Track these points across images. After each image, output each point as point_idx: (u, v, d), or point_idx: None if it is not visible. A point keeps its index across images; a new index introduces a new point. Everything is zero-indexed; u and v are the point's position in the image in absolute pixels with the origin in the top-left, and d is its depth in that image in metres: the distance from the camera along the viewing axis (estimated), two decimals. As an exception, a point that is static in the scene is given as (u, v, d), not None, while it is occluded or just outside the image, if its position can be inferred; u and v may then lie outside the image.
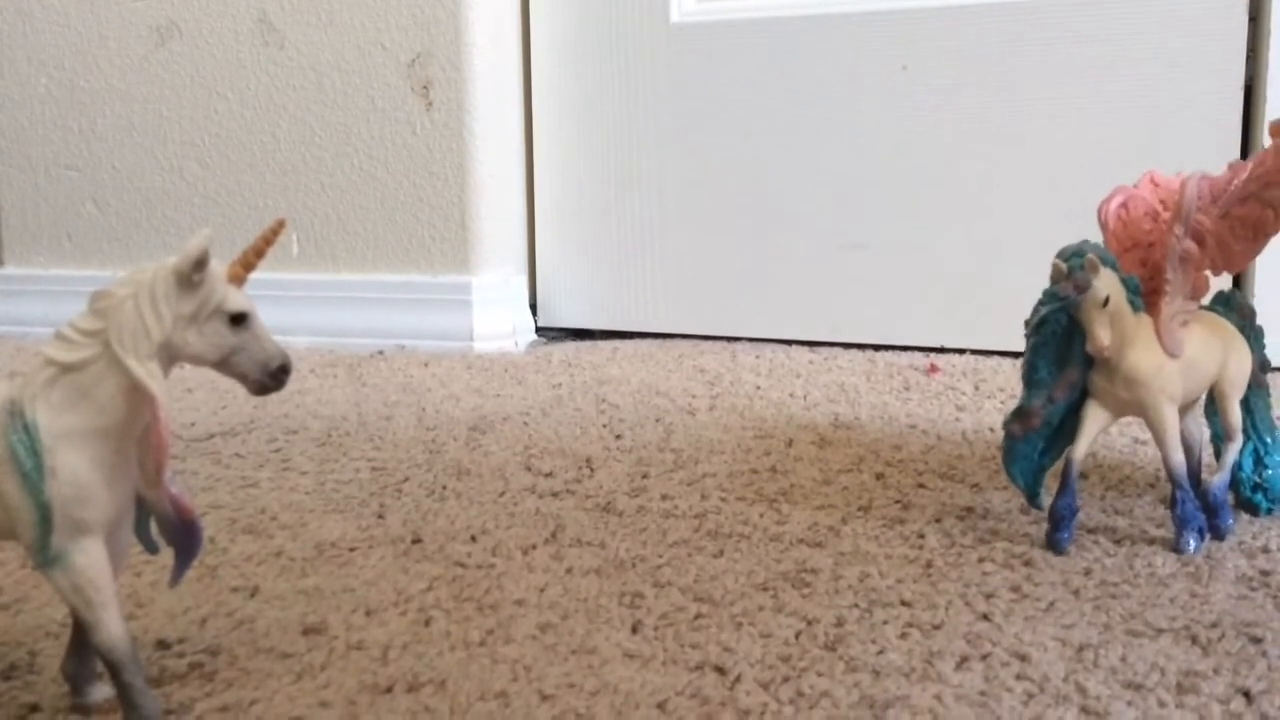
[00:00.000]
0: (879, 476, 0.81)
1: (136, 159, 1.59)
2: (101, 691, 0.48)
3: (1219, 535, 0.67)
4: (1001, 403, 1.04)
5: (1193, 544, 0.64)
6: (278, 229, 0.45)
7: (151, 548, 0.49)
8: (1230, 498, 0.69)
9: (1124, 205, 0.69)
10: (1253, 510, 0.71)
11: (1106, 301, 0.62)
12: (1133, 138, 1.23)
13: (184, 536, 0.47)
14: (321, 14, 1.46)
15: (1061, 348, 0.66)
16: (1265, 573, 0.61)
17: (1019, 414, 0.67)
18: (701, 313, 1.45)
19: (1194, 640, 0.53)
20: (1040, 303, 0.66)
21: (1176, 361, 0.65)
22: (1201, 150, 1.18)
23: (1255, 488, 0.71)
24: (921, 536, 0.68)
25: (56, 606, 0.58)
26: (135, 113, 1.58)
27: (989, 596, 0.59)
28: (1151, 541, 0.66)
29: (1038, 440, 0.67)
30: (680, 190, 1.44)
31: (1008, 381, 1.13)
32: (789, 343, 1.38)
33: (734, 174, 1.41)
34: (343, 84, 1.46)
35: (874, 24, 1.33)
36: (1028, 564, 0.63)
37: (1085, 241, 0.65)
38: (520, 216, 1.52)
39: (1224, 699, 0.47)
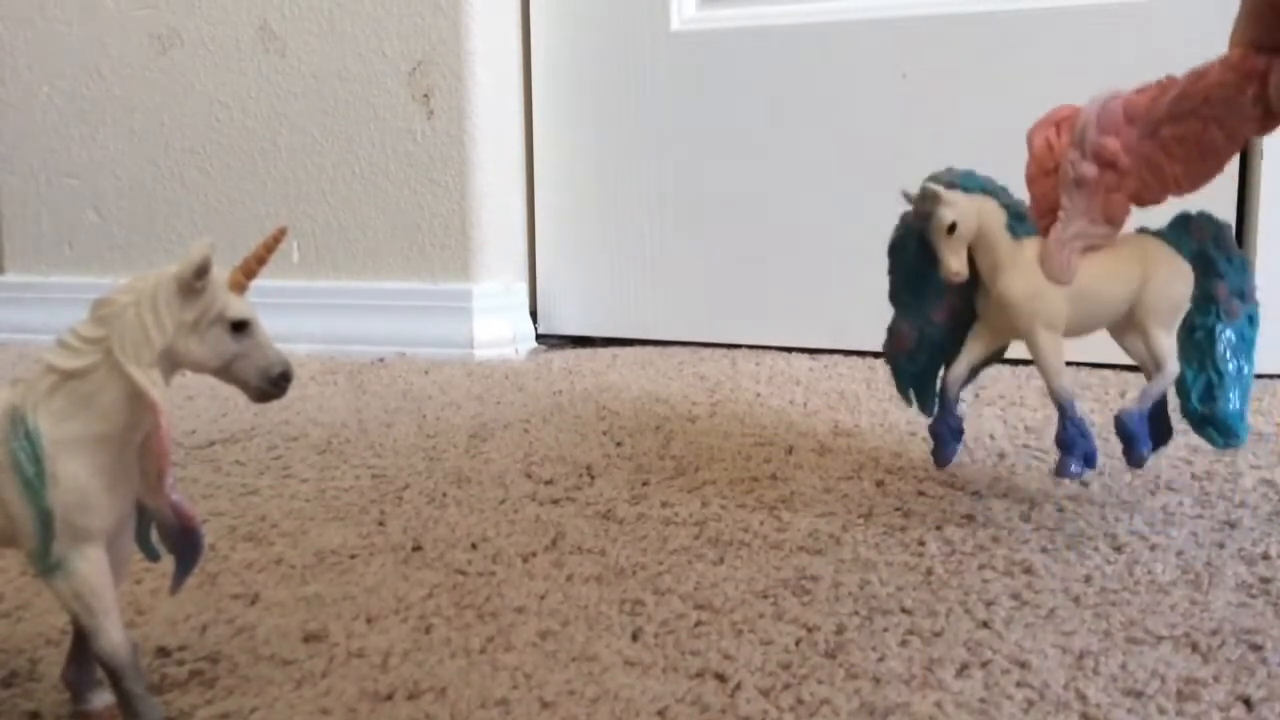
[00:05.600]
0: (879, 484, 0.81)
1: (138, 167, 1.59)
2: (102, 699, 0.48)
3: (1133, 464, 0.67)
4: (1001, 410, 1.04)
5: (1073, 468, 0.64)
6: (279, 237, 0.45)
7: (152, 555, 0.49)
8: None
9: (1057, 127, 0.68)
10: (1212, 443, 0.69)
11: (953, 228, 0.62)
12: (1132, 145, 1.23)
13: (185, 544, 0.47)
14: (322, 22, 1.47)
15: (916, 271, 0.68)
16: (1265, 580, 0.61)
17: (889, 334, 0.69)
18: (702, 320, 1.45)
19: (1194, 647, 0.53)
20: (895, 227, 0.68)
21: (1062, 288, 0.64)
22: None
23: (1204, 421, 0.69)
24: (922, 544, 0.68)
25: (57, 614, 0.58)
26: (136, 120, 1.58)
27: (989, 604, 0.59)
28: (1152, 548, 0.66)
29: (921, 358, 0.69)
30: (680, 198, 1.44)
31: (1008, 389, 1.13)
32: (789, 350, 1.38)
33: (734, 181, 1.41)
34: (344, 92, 1.47)
35: (874, 32, 1.33)
36: (1028, 571, 0.63)
37: (949, 169, 0.66)
38: (521, 224, 1.52)
39: (1224, 706, 0.47)
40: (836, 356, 1.35)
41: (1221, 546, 0.67)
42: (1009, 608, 0.58)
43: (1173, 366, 0.68)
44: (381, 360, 1.39)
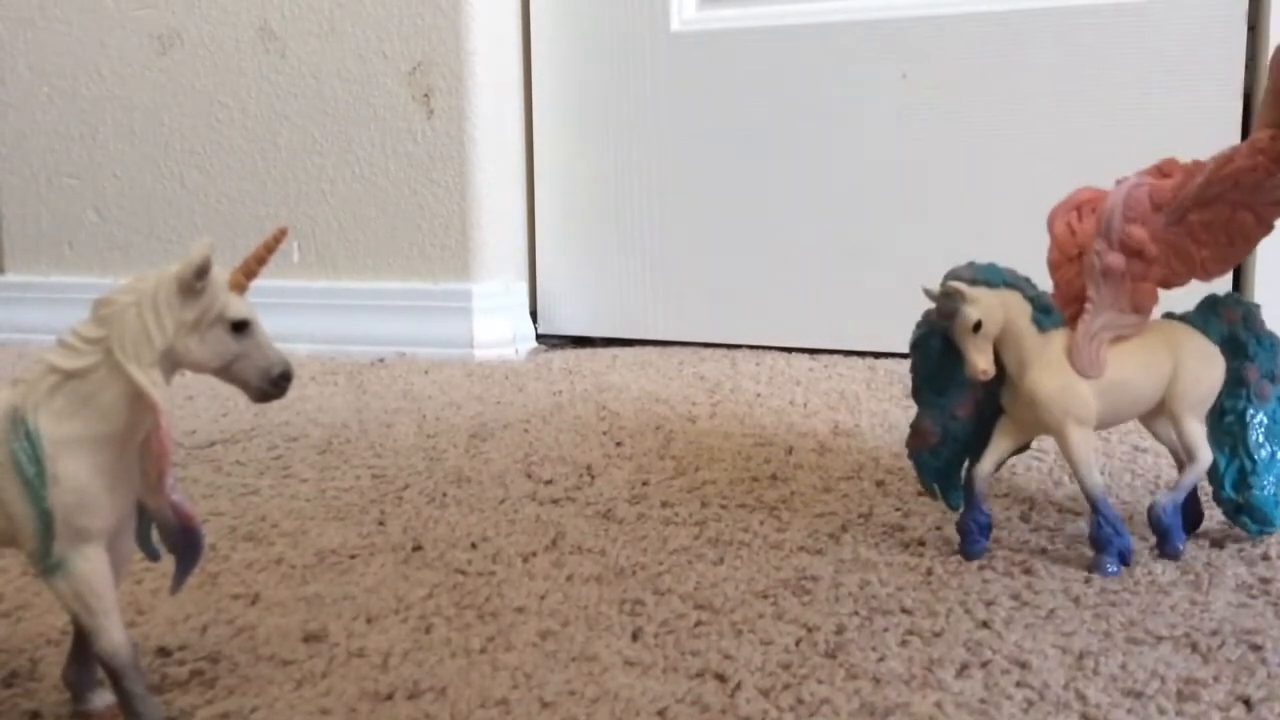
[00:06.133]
0: (879, 484, 0.81)
1: (138, 167, 1.59)
2: (103, 699, 0.48)
3: (1168, 556, 0.65)
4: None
5: (1110, 567, 0.63)
6: (279, 237, 0.45)
7: (153, 555, 0.49)
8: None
9: (1078, 210, 0.67)
10: (1246, 530, 0.68)
11: (978, 326, 0.61)
12: (1132, 146, 1.23)
13: (185, 543, 0.47)
14: (322, 22, 1.47)
15: (940, 369, 0.65)
16: (1265, 580, 0.61)
17: (912, 431, 0.67)
18: (702, 320, 1.45)
19: (1194, 648, 0.53)
20: (917, 325, 0.66)
21: (1091, 382, 0.63)
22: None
23: (1238, 509, 0.67)
24: (922, 544, 0.68)
25: (58, 614, 0.58)
26: (137, 120, 1.58)
27: (989, 604, 0.59)
28: (1152, 548, 0.66)
29: (944, 453, 0.67)
30: (681, 198, 1.44)
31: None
32: (789, 350, 1.39)
33: (734, 182, 1.41)
34: (344, 92, 1.47)
35: (874, 32, 1.33)
36: (1028, 571, 0.63)
37: (970, 264, 0.64)
38: (521, 224, 1.52)
39: (1224, 707, 0.47)
40: (836, 357, 1.35)
41: (1221, 547, 0.67)
42: (1009, 608, 0.58)
43: (1206, 456, 0.66)
44: (382, 360, 1.39)
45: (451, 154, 1.43)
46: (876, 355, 1.35)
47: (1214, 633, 0.54)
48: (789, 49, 1.37)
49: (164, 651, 0.54)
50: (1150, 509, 0.66)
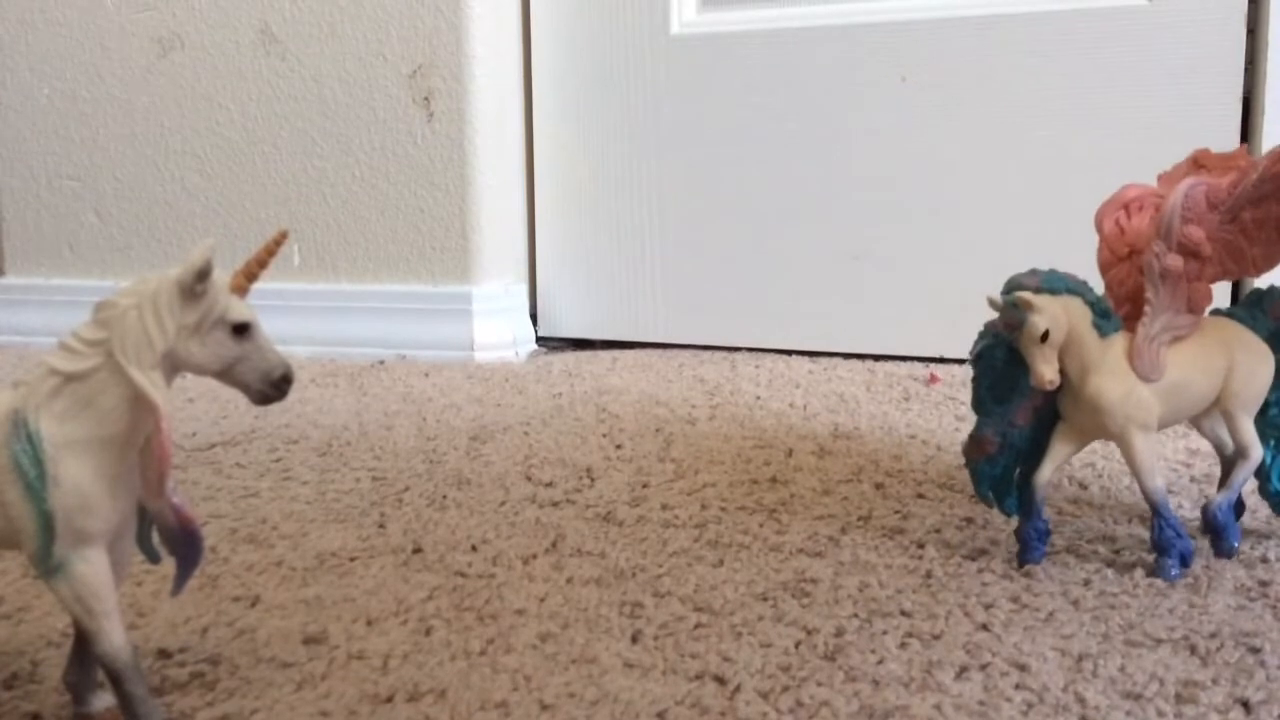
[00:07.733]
0: (879, 486, 0.81)
1: (138, 169, 1.59)
2: (103, 700, 0.48)
3: (1224, 555, 0.65)
4: (1001, 413, 1.04)
5: (1174, 571, 0.62)
6: (280, 240, 0.46)
7: (153, 557, 0.49)
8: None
9: (1126, 208, 0.67)
10: None
11: (1046, 335, 0.61)
12: (1132, 149, 1.23)
13: (185, 546, 0.47)
14: (323, 25, 1.47)
15: (1003, 378, 0.65)
16: (1264, 583, 0.61)
17: (972, 440, 0.66)
18: (701, 323, 1.45)
19: (1193, 650, 0.53)
20: (980, 335, 0.65)
21: (1153, 385, 0.63)
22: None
23: None
24: (921, 547, 0.68)
25: (58, 615, 0.58)
26: (137, 123, 1.58)
27: (988, 607, 0.59)
28: (1151, 552, 0.66)
29: (1002, 461, 0.66)
30: (681, 201, 1.44)
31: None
32: (789, 353, 1.39)
33: (734, 185, 1.41)
34: (344, 95, 1.47)
35: (873, 35, 1.33)
36: (1027, 574, 0.63)
37: (1033, 271, 0.63)
38: (521, 227, 1.52)
39: (1222, 709, 0.47)
40: (836, 359, 1.35)
41: (1229, 558, 0.67)
42: (1008, 610, 0.58)
43: (1258, 452, 0.66)
44: (382, 363, 1.39)
45: (452, 157, 1.43)
46: (876, 358, 1.35)
47: (1213, 635, 0.54)
48: (788, 52, 1.37)
49: (164, 654, 0.54)
50: (1205, 508, 0.66)
